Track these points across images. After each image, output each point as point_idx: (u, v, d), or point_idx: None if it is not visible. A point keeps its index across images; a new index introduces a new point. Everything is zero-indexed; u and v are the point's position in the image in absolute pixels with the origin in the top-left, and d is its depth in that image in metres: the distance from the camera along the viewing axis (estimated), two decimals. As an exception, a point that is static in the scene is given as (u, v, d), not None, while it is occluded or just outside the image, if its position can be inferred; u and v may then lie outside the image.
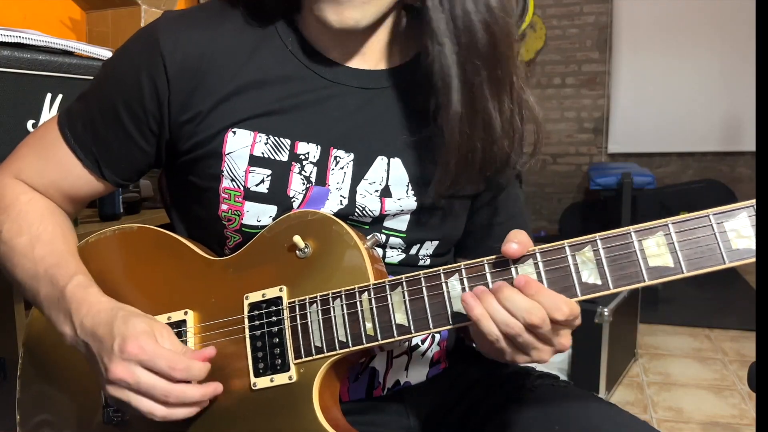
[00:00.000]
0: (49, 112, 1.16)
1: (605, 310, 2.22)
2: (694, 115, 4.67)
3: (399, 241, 0.78)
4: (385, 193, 0.75)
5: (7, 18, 1.66)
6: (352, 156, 0.75)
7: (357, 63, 0.76)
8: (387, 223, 0.77)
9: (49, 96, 1.15)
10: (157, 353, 0.64)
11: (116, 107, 0.75)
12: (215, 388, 0.69)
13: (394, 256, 0.79)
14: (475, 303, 0.60)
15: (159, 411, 0.65)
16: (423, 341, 0.85)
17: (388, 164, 0.75)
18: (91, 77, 0.82)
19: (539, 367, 0.88)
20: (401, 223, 0.77)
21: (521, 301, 0.58)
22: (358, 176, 0.75)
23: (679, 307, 3.35)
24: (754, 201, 0.56)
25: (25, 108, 1.12)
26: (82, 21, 1.81)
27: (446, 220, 0.80)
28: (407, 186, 0.76)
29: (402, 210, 0.76)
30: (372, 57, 0.77)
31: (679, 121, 4.71)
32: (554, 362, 2.38)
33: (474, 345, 0.84)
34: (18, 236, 0.76)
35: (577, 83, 4.99)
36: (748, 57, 4.37)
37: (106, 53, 1.29)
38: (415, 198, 0.76)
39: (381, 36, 0.76)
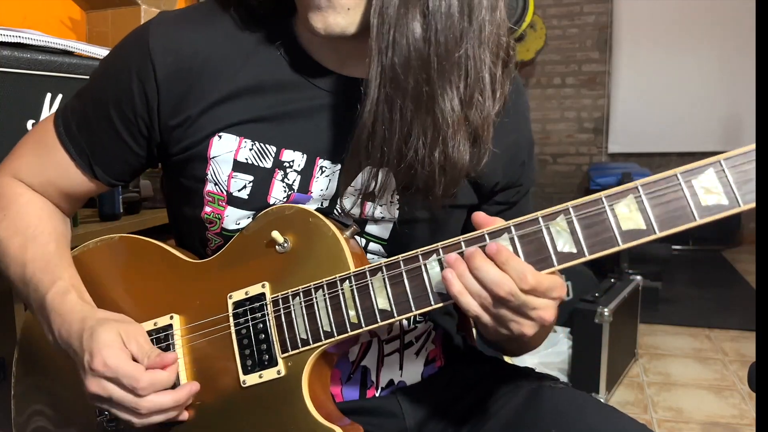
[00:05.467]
0: (49, 111, 1.16)
1: (605, 310, 2.22)
2: (694, 114, 4.67)
3: (379, 248, 0.77)
4: (368, 197, 0.73)
5: (7, 18, 1.66)
6: (338, 167, 0.73)
7: (352, 71, 0.73)
8: (369, 228, 0.76)
9: (49, 96, 1.15)
10: (119, 371, 0.65)
11: (107, 108, 0.75)
12: (189, 389, 0.70)
13: (374, 260, 0.76)
14: (453, 278, 0.60)
15: (136, 420, 0.67)
16: (417, 339, 0.84)
17: (377, 173, 0.72)
18: (91, 77, 0.82)
19: (538, 368, 0.88)
20: (384, 231, 0.76)
21: (491, 273, 0.59)
22: (343, 185, 0.73)
23: (679, 307, 3.35)
24: (720, 156, 0.56)
25: (25, 108, 1.12)
26: (82, 21, 1.81)
27: (432, 234, 0.77)
28: (393, 192, 0.73)
29: (384, 217, 0.75)
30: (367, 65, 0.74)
31: (679, 121, 4.72)
32: (554, 362, 2.38)
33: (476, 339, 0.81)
34: (13, 237, 0.76)
35: (577, 83, 4.99)
36: (748, 57, 4.37)
37: (106, 53, 1.29)
38: (397, 206, 0.74)
39: None
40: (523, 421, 0.74)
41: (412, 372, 0.84)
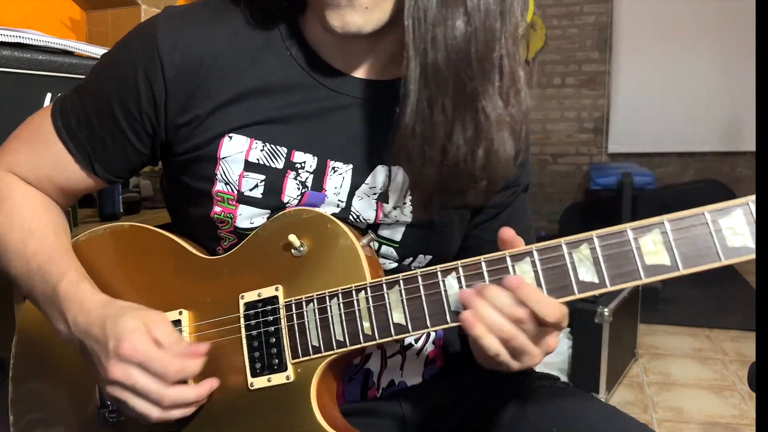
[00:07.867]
0: (49, 112, 1.16)
1: (605, 310, 2.22)
2: (694, 115, 4.67)
3: (392, 251, 0.77)
4: (383, 197, 0.74)
5: (7, 18, 1.66)
6: (350, 166, 0.73)
7: (362, 72, 0.73)
8: (382, 232, 0.76)
9: (49, 96, 1.15)
10: (149, 355, 0.64)
11: (111, 105, 0.73)
12: (211, 385, 0.69)
13: (386, 264, 0.77)
14: (474, 321, 0.59)
15: (154, 413, 0.65)
16: (417, 340, 0.84)
17: (390, 171, 0.73)
18: (91, 77, 0.82)
19: (539, 368, 0.88)
20: (396, 234, 0.76)
21: (507, 298, 0.59)
22: (357, 182, 0.73)
23: (679, 307, 3.35)
24: (749, 198, 0.55)
25: (25, 108, 1.12)
26: (82, 21, 1.81)
27: (442, 236, 0.78)
28: (406, 192, 0.74)
29: (397, 221, 0.75)
30: (377, 67, 0.73)
31: (679, 121, 4.71)
32: (554, 362, 2.38)
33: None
34: (10, 232, 0.75)
35: (577, 83, 4.99)
36: (748, 57, 4.37)
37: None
38: (410, 208, 0.74)
39: (387, 45, 0.71)
40: (524, 421, 0.74)
41: (413, 373, 0.84)
